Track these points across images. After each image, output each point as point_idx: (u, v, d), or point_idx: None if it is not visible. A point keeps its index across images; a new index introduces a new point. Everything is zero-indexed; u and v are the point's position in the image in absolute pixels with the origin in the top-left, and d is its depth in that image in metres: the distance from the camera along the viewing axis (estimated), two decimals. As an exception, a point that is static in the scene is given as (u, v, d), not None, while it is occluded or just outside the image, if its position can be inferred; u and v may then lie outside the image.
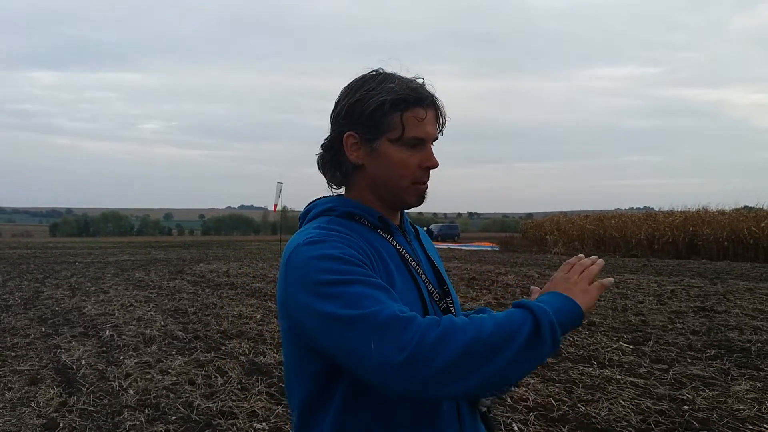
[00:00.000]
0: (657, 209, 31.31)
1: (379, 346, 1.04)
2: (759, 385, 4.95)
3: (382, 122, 1.28)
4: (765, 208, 25.51)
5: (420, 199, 1.35)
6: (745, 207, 27.06)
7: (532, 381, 5.14)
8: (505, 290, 11.59)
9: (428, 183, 1.35)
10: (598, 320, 7.95)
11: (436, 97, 1.33)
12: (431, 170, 1.34)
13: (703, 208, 26.75)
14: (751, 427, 4.03)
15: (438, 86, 1.36)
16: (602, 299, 10.01)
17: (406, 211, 1.48)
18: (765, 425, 4.04)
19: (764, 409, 4.36)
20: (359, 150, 1.31)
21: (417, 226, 1.56)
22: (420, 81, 1.32)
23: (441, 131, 1.36)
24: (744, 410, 4.34)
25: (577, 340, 6.73)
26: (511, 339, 1.04)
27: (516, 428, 4.02)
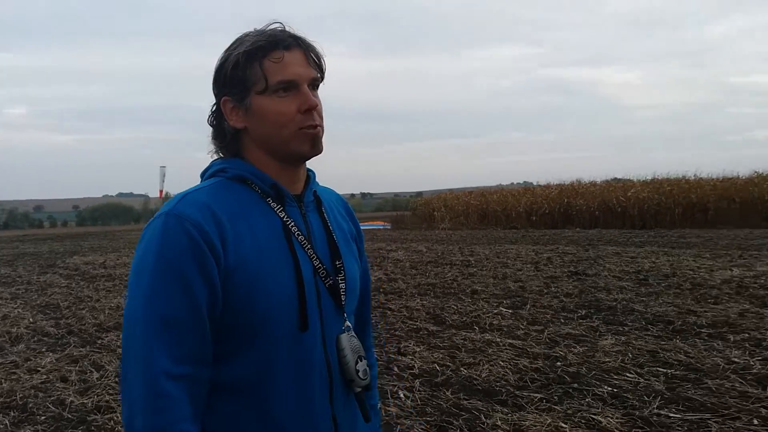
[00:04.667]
0: (535, 183, 33.10)
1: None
2: (623, 339, 5.38)
3: (245, 77, 1.24)
4: (632, 179, 27.73)
5: (314, 145, 1.28)
6: (614, 178, 29.23)
7: (418, 349, 5.28)
8: (395, 265, 11.80)
9: (320, 127, 1.29)
10: (479, 288, 8.31)
11: (300, 38, 1.28)
12: (315, 112, 1.27)
13: (576, 180, 28.55)
14: (615, 376, 4.37)
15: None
16: (483, 269, 10.46)
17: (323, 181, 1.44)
18: (627, 374, 4.40)
19: (627, 360, 4.74)
20: (238, 113, 1.27)
21: (326, 196, 1.46)
22: (276, 26, 1.27)
23: (320, 72, 1.30)
24: (610, 362, 4.70)
25: (460, 308, 6.99)
26: None
27: (402, 395, 4.11)
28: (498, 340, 5.48)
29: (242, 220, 1.23)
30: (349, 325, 1.35)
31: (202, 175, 1.35)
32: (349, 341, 1.32)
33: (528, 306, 6.98)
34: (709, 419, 3.58)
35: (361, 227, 1.58)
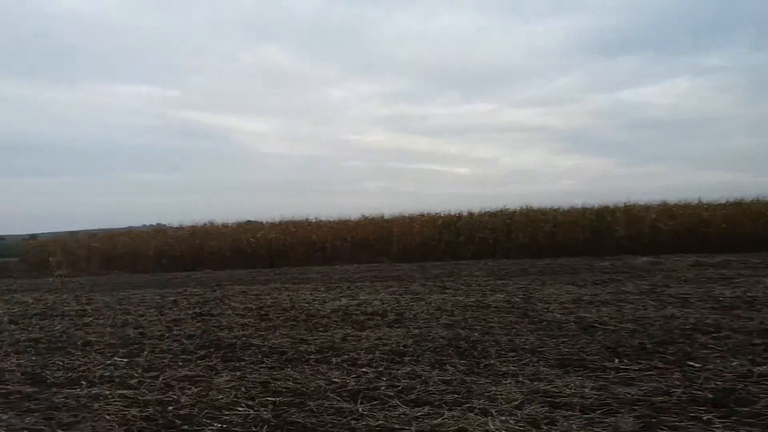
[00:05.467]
0: (168, 225, 32.18)
1: None
2: (238, 374, 5.47)
3: None
4: (263, 221, 29.21)
5: None
6: (248, 221, 30.37)
7: (5, 416, 4.46)
8: (-12, 322, 9.92)
9: None
10: (93, 339, 7.55)
11: None
12: None
13: (209, 222, 28.79)
14: (227, 412, 4.38)
15: None
16: (101, 317, 9.59)
17: None
18: (239, 408, 4.45)
19: (240, 394, 4.81)
20: None
21: None
22: None
23: None
24: (222, 399, 4.70)
25: (67, 363, 6.21)
26: None
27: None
28: (107, 392, 5.00)
29: None
30: None
31: None
32: None
33: (146, 352, 6.59)
34: (308, 439, 3.85)
35: None
